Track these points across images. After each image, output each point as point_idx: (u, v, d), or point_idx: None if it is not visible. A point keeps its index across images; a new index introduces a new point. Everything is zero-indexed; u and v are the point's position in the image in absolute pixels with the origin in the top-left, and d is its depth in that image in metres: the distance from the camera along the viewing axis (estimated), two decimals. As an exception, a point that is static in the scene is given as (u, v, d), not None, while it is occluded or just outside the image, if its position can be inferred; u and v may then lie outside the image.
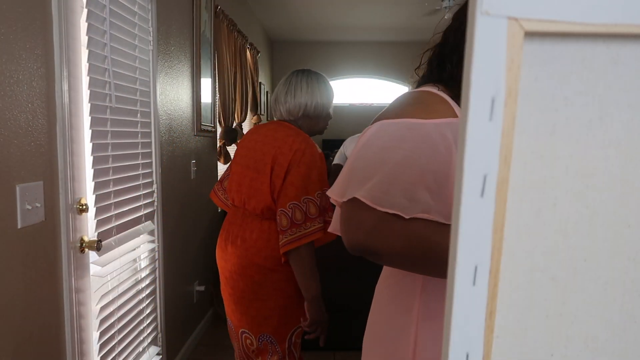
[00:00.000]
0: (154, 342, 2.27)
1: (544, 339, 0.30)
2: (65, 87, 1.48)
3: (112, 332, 1.80)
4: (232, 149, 3.92)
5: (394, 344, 0.92)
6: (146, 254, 2.17)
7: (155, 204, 2.26)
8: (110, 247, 1.76)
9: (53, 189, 1.45)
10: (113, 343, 1.80)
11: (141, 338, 2.11)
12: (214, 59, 3.38)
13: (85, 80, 1.59)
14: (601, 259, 0.29)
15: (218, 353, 2.91)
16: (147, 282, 2.17)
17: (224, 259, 1.73)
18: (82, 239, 1.59)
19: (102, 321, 1.70)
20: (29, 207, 1.33)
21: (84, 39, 1.58)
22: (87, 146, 1.61)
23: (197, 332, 3.03)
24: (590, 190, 0.29)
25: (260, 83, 5.49)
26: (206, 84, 3.21)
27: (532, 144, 0.28)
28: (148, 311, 2.18)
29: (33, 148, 1.36)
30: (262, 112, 5.66)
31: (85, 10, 1.58)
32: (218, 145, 3.62)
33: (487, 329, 0.27)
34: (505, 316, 0.29)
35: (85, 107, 1.61)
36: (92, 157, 1.62)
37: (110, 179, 1.75)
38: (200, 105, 3.03)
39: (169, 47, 2.45)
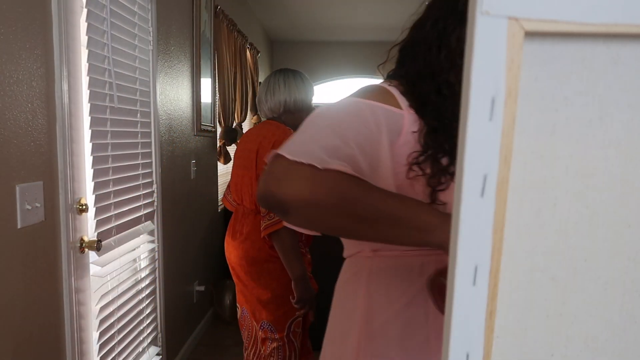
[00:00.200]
0: (153, 342, 2.27)
1: (544, 339, 0.30)
2: (65, 87, 1.48)
3: (112, 332, 1.80)
4: (232, 149, 3.92)
5: (339, 348, 0.93)
6: (146, 254, 2.17)
7: (155, 204, 2.25)
8: (110, 247, 1.76)
9: (53, 189, 1.45)
10: (113, 343, 1.80)
11: (141, 338, 2.11)
12: (214, 59, 3.38)
13: (85, 80, 1.59)
14: (601, 259, 0.29)
15: (218, 353, 2.91)
16: (147, 282, 2.17)
17: (228, 252, 1.88)
18: (82, 239, 1.59)
19: (102, 321, 1.70)
20: (29, 207, 1.33)
21: (83, 39, 1.58)
22: (87, 146, 1.61)
23: (197, 332, 3.03)
24: (590, 190, 0.29)
25: (260, 83, 5.49)
26: (206, 84, 3.21)
27: (532, 144, 0.28)
28: (148, 311, 2.18)
29: (33, 148, 1.36)
30: (262, 112, 5.65)
31: (85, 10, 1.58)
32: (218, 145, 3.62)
33: (487, 329, 0.27)
34: (505, 316, 0.29)
35: (85, 107, 1.61)
36: (92, 157, 1.62)
37: (110, 179, 1.75)
38: (200, 105, 3.03)
39: (169, 47, 2.45)
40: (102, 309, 1.71)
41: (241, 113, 4.20)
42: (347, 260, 0.97)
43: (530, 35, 0.25)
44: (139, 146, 2.04)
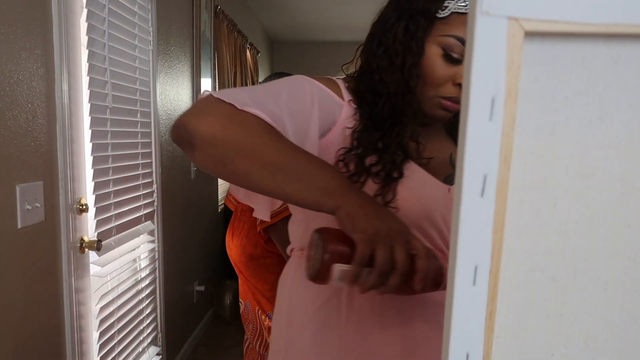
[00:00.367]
0: (153, 342, 2.27)
1: (544, 339, 0.30)
2: (65, 87, 1.48)
3: (112, 332, 1.80)
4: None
5: (272, 350, 0.95)
6: (146, 254, 2.17)
7: (155, 204, 2.25)
8: (110, 247, 1.76)
9: (53, 189, 1.45)
10: (113, 343, 1.80)
11: (141, 338, 2.11)
12: (214, 59, 3.38)
13: (85, 80, 1.59)
14: (601, 259, 0.29)
15: (218, 353, 2.91)
16: (147, 282, 2.17)
17: (229, 249, 1.92)
18: (82, 239, 1.59)
19: (102, 321, 1.70)
20: (29, 207, 1.33)
21: (83, 39, 1.58)
22: (87, 146, 1.61)
23: (197, 332, 3.03)
24: (590, 190, 0.29)
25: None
26: (206, 84, 3.21)
27: (532, 144, 0.28)
28: (148, 311, 2.18)
29: (33, 148, 1.36)
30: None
31: (85, 10, 1.58)
32: (218, 145, 3.62)
33: (487, 329, 0.27)
34: (505, 316, 0.29)
35: (85, 107, 1.61)
36: (92, 157, 1.62)
37: (110, 179, 1.75)
38: (200, 105, 3.02)
39: (169, 47, 2.45)
40: (102, 309, 1.71)
41: (241, 113, 4.19)
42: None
43: (530, 35, 0.25)
44: (139, 146, 2.04)
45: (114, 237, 1.79)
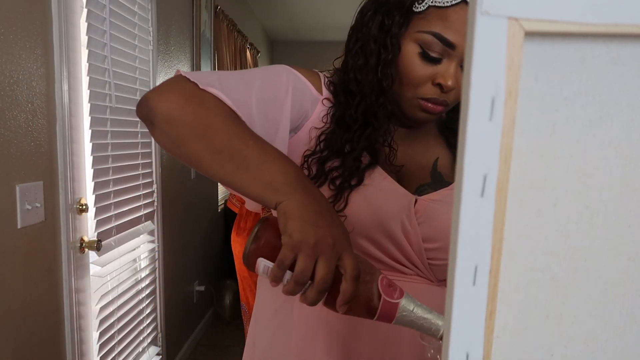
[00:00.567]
0: (153, 342, 2.27)
1: (544, 339, 0.30)
2: (65, 87, 1.48)
3: (112, 332, 1.80)
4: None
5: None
6: (146, 254, 2.17)
7: (155, 204, 2.26)
8: (110, 247, 1.76)
9: (53, 189, 1.45)
10: (113, 343, 1.80)
11: (141, 338, 2.11)
12: (214, 59, 3.38)
13: (85, 80, 1.59)
14: (601, 259, 0.29)
15: (218, 353, 2.91)
16: (147, 282, 2.17)
17: (234, 247, 1.93)
18: (82, 239, 1.59)
19: (101, 321, 1.70)
20: (29, 207, 1.33)
21: (84, 39, 1.58)
22: (87, 146, 1.61)
23: (197, 332, 3.03)
24: (590, 190, 0.29)
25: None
26: (206, 84, 3.21)
27: (532, 144, 0.28)
28: (148, 311, 2.18)
29: (33, 148, 1.36)
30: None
31: (85, 10, 1.58)
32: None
33: (487, 329, 0.27)
34: (505, 316, 0.29)
35: (85, 107, 1.61)
36: (92, 157, 1.62)
37: (110, 179, 1.75)
38: (200, 105, 3.02)
39: (169, 47, 2.45)
40: (102, 309, 1.71)
41: (241, 113, 4.20)
42: None
43: (530, 35, 0.25)
44: (139, 146, 2.04)
45: (114, 237, 1.79)
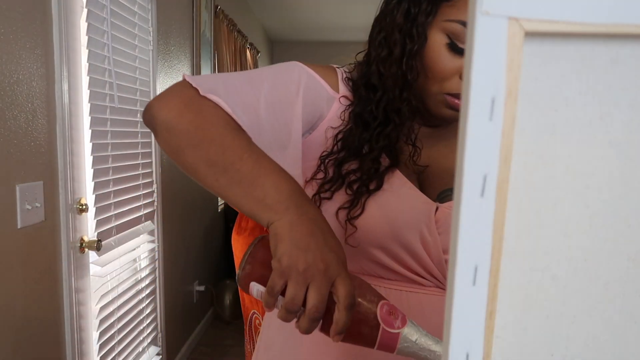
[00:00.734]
0: (153, 342, 2.27)
1: (544, 339, 0.30)
2: (65, 87, 1.48)
3: (112, 332, 1.80)
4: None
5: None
6: (146, 254, 2.17)
7: (155, 204, 2.26)
8: (110, 247, 1.76)
9: (53, 189, 1.45)
10: (113, 343, 1.80)
11: (141, 338, 2.11)
12: (214, 59, 3.38)
13: (85, 80, 1.59)
14: (601, 259, 0.29)
15: (218, 353, 2.91)
16: (147, 282, 2.17)
17: (235, 247, 1.92)
18: (82, 239, 1.59)
19: (101, 321, 1.70)
20: (29, 207, 1.33)
21: (84, 39, 1.58)
22: (87, 146, 1.61)
23: (197, 332, 3.03)
24: (590, 190, 0.29)
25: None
26: (206, 84, 3.21)
27: (532, 144, 0.28)
28: (148, 311, 2.18)
29: (33, 148, 1.36)
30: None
31: (85, 10, 1.58)
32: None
33: (487, 329, 0.27)
34: (505, 316, 0.29)
35: (85, 107, 1.61)
36: (92, 157, 1.62)
37: (110, 179, 1.75)
38: (200, 105, 3.02)
39: (169, 47, 2.45)
40: (102, 309, 1.71)
41: (241, 113, 4.19)
42: None
43: (530, 35, 0.25)
44: (139, 146, 2.04)
45: (114, 237, 1.79)
